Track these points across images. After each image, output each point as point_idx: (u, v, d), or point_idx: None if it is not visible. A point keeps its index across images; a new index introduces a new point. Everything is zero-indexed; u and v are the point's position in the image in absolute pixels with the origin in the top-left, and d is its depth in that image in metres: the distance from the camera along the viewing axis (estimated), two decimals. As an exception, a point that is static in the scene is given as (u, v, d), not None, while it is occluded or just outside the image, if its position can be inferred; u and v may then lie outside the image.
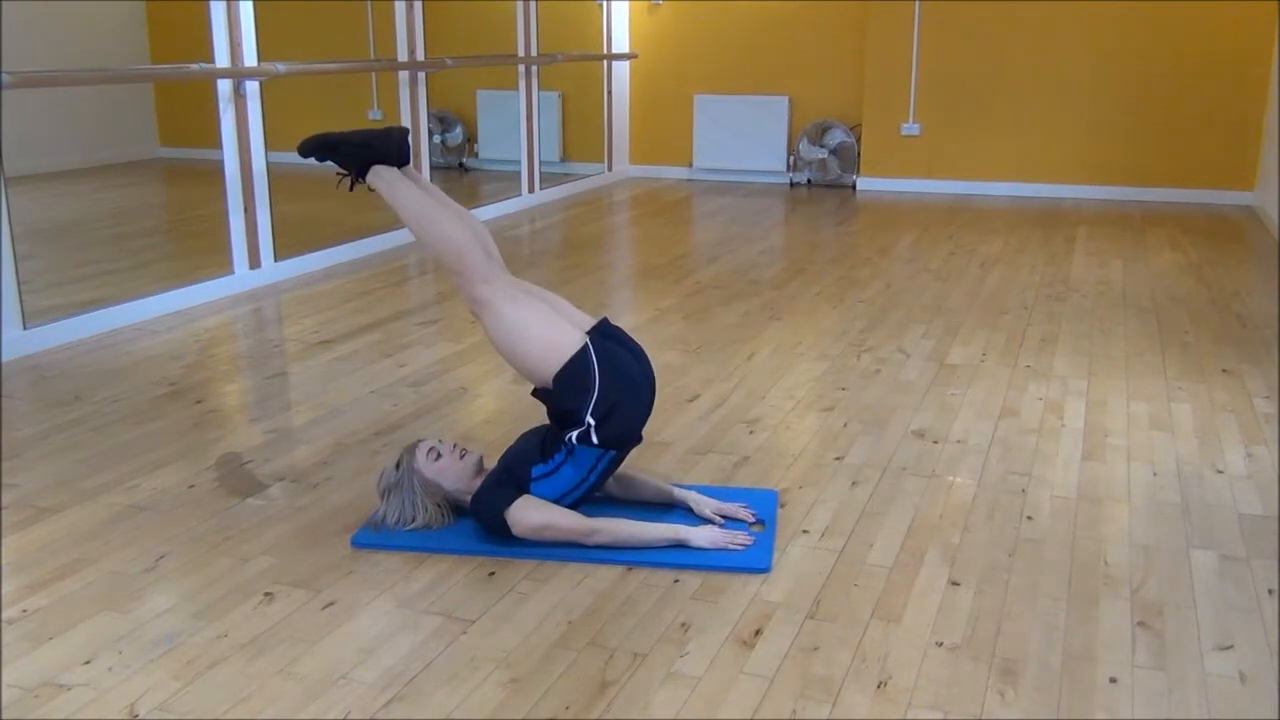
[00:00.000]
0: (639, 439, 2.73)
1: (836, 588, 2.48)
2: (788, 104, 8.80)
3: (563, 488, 2.64)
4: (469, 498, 2.72)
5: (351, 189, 2.88)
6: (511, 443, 2.97)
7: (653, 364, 3.93)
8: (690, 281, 5.48)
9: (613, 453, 2.66)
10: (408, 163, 2.90)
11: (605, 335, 2.71)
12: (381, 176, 2.82)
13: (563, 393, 2.63)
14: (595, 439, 2.60)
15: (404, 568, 2.57)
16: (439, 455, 2.73)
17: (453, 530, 2.71)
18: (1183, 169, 7.97)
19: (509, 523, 2.58)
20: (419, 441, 2.78)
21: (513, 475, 2.65)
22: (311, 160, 2.89)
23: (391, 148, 2.85)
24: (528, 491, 2.63)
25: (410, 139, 2.97)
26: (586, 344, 2.63)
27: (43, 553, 2.65)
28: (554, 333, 2.65)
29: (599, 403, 2.60)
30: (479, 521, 2.65)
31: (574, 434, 2.61)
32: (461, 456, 2.75)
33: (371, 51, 6.91)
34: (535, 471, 2.65)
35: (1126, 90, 7.95)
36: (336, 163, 2.86)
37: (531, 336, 2.64)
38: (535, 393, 2.76)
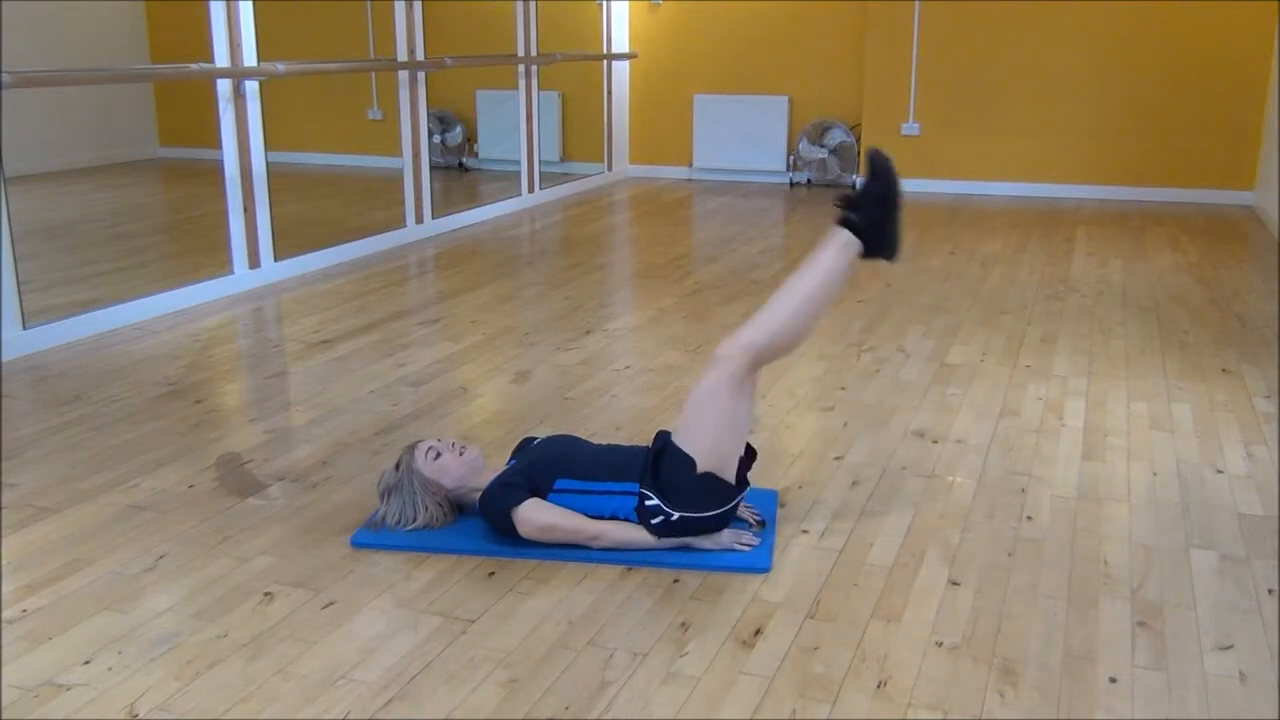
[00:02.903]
0: None
1: (836, 588, 2.48)
2: (788, 104, 8.80)
3: (578, 510, 2.62)
4: (470, 495, 2.72)
5: (840, 207, 2.66)
6: (524, 437, 2.97)
7: (653, 364, 3.92)
8: (690, 281, 5.48)
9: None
10: (862, 257, 2.69)
11: (744, 485, 2.63)
12: (849, 249, 2.63)
13: (691, 486, 2.55)
14: (646, 522, 2.57)
15: (404, 568, 2.56)
16: (438, 454, 2.73)
17: (453, 530, 2.71)
18: (1183, 169, 7.96)
19: (515, 521, 2.58)
20: (418, 442, 2.78)
21: (529, 479, 2.63)
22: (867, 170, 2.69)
23: (885, 253, 2.66)
24: (543, 496, 2.62)
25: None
26: (739, 498, 2.59)
27: (43, 553, 2.65)
28: (730, 448, 2.56)
29: (694, 521, 2.56)
30: (485, 517, 2.65)
31: (645, 503, 2.56)
32: (461, 454, 2.75)
33: (371, 51, 6.91)
34: (561, 484, 2.63)
35: (1126, 90, 7.95)
36: (866, 206, 2.63)
37: (720, 431, 2.54)
38: (659, 437, 2.69)
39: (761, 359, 2.59)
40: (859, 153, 8.61)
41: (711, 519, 2.57)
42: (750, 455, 2.67)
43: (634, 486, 2.59)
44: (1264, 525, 2.79)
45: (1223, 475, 3.10)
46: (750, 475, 2.66)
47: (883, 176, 2.64)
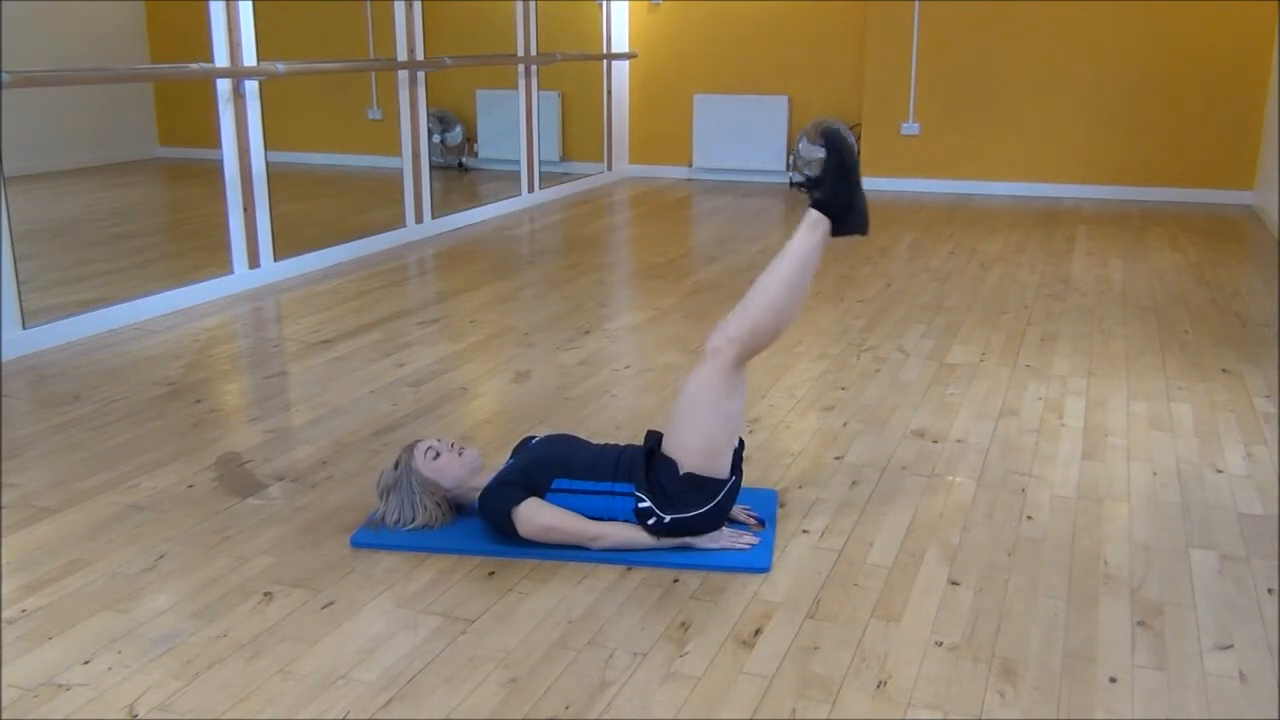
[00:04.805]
0: None
1: (836, 587, 2.48)
2: (788, 104, 8.80)
3: (576, 510, 2.62)
4: (469, 495, 2.72)
5: (804, 188, 2.77)
6: (524, 437, 2.97)
7: (653, 364, 3.92)
8: (690, 281, 5.48)
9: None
10: (834, 234, 2.70)
11: (738, 473, 2.63)
12: (818, 227, 2.64)
13: (677, 488, 2.56)
14: (644, 523, 2.57)
15: (404, 568, 2.56)
16: (437, 454, 2.73)
17: (452, 530, 2.71)
18: (1183, 169, 7.96)
19: (515, 520, 2.58)
20: (416, 441, 2.78)
21: (528, 478, 2.63)
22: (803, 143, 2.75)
23: (854, 226, 2.67)
24: (541, 496, 2.62)
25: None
26: (731, 483, 2.59)
27: (43, 553, 2.65)
28: (723, 443, 2.57)
29: (688, 521, 2.56)
30: (484, 516, 2.65)
31: (639, 505, 2.57)
32: (460, 454, 2.75)
33: (371, 51, 6.91)
34: (559, 484, 2.63)
35: (1126, 90, 7.95)
36: (824, 180, 2.65)
37: (713, 427, 2.55)
38: (650, 437, 2.69)
39: (749, 348, 2.59)
40: (859, 153, 8.61)
41: (703, 516, 2.57)
42: (739, 445, 2.68)
43: (631, 488, 2.59)
44: (1264, 525, 2.79)
45: (1223, 475, 3.10)
46: (750, 475, 2.65)
47: (836, 146, 2.66)
